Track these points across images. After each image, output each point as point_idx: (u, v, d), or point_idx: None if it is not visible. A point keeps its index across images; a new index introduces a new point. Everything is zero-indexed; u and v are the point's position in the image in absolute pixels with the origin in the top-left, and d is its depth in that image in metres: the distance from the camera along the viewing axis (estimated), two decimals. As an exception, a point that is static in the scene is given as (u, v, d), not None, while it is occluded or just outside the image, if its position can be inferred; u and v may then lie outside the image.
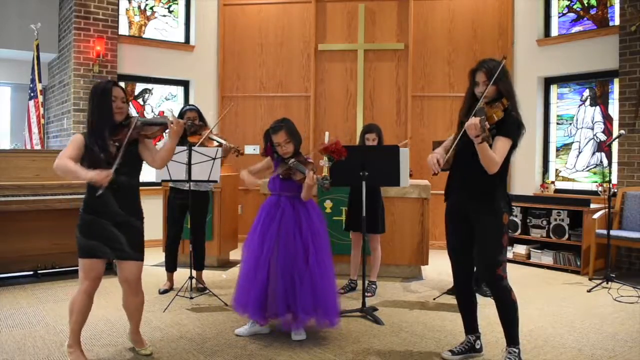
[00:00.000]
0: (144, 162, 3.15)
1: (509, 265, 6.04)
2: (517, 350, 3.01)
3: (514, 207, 6.24)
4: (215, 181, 4.42)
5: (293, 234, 3.49)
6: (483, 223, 3.00)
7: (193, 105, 4.90)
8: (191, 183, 4.59)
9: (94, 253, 2.93)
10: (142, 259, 3.09)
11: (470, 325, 3.27)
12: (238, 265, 5.68)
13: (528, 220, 6.20)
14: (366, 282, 4.60)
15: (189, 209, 4.64)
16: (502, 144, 2.90)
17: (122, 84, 7.06)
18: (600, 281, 5.11)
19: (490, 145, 2.86)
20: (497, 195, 2.98)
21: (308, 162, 3.58)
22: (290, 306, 3.46)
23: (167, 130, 3.10)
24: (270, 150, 3.66)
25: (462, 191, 3.09)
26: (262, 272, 3.46)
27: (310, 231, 3.53)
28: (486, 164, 2.88)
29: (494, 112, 2.91)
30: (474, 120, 2.76)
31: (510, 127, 2.93)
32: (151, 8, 7.43)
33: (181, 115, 4.76)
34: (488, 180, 2.95)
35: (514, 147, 2.96)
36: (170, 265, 4.80)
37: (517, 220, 6.24)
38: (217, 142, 4.68)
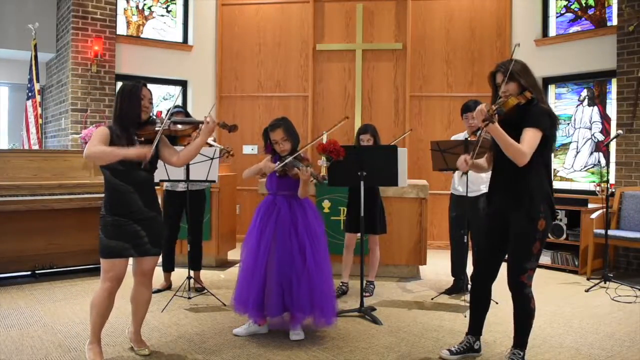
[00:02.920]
0: (162, 160, 3.25)
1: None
2: (521, 354, 2.99)
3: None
4: (214, 181, 4.42)
5: (289, 234, 3.49)
6: (516, 225, 2.92)
7: (180, 107, 4.77)
8: (188, 183, 4.59)
9: (117, 253, 2.96)
10: (160, 253, 3.19)
11: (476, 326, 3.24)
12: (236, 265, 5.68)
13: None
14: (364, 282, 4.59)
15: (186, 209, 4.65)
16: (530, 134, 2.80)
17: (119, 83, 7.08)
18: (598, 281, 5.12)
19: (507, 130, 2.79)
20: (535, 198, 2.87)
21: (304, 159, 3.58)
22: (287, 306, 3.46)
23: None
24: (270, 148, 3.66)
25: (501, 193, 3.02)
26: (260, 271, 3.46)
27: (306, 230, 3.52)
28: (511, 154, 2.81)
29: (511, 100, 2.85)
30: (480, 106, 2.76)
31: (537, 117, 2.82)
32: (149, 8, 7.43)
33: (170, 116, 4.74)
34: (525, 181, 2.88)
35: (549, 140, 2.87)
36: (168, 265, 4.80)
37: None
38: (211, 144, 4.67)
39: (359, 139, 4.68)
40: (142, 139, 3.06)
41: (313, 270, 3.46)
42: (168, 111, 4.83)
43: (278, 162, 3.55)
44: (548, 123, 2.84)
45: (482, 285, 3.17)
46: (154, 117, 3.17)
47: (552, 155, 3.03)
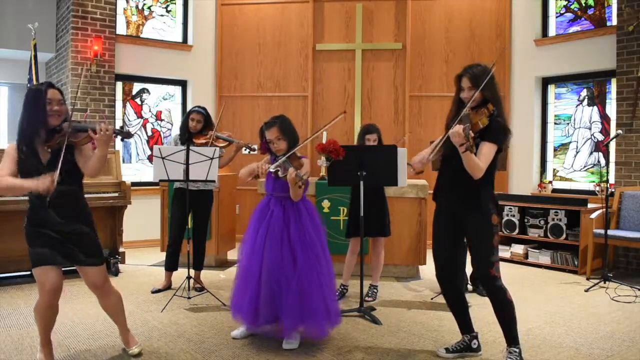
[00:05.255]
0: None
1: (507, 265, 6.08)
2: (517, 350, 3.01)
3: (512, 207, 6.25)
4: (213, 181, 4.41)
5: (280, 237, 3.35)
6: (473, 225, 3.03)
7: (200, 108, 4.71)
8: (199, 182, 4.59)
9: (44, 260, 2.81)
10: (100, 263, 2.98)
11: (464, 325, 3.28)
12: (235, 265, 5.67)
13: (526, 220, 6.21)
14: (368, 285, 4.57)
15: (193, 208, 4.68)
16: (487, 149, 2.93)
17: (119, 83, 7.08)
18: (597, 281, 5.12)
19: (475, 154, 2.87)
20: (483, 197, 3.00)
21: (297, 159, 3.43)
22: (277, 313, 3.33)
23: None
24: (265, 147, 3.54)
25: (450, 193, 3.13)
26: (254, 277, 3.36)
27: (299, 235, 3.37)
28: (471, 170, 2.92)
29: (479, 119, 2.94)
30: (457, 129, 2.79)
31: (495, 132, 2.96)
32: (149, 8, 7.42)
33: (186, 116, 4.73)
34: (474, 182, 2.97)
35: (498, 151, 3.00)
36: (171, 264, 4.80)
37: (515, 220, 6.25)
38: (227, 140, 4.65)
39: (364, 139, 4.59)
40: (49, 149, 2.79)
41: (304, 277, 3.30)
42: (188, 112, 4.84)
43: (272, 163, 3.46)
44: (503, 137, 2.99)
45: (450, 285, 3.22)
46: (74, 122, 2.86)
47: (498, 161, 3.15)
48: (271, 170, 3.37)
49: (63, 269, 2.96)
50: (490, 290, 3.03)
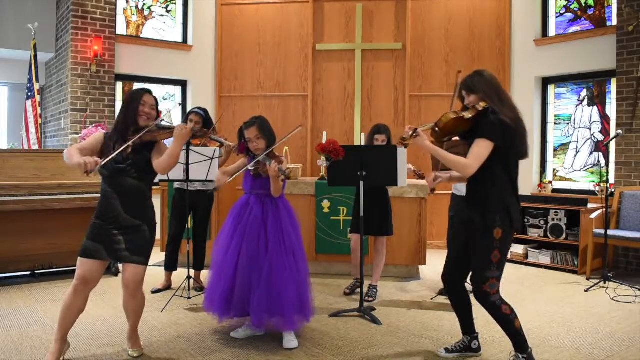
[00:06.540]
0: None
1: (507, 265, 6.02)
2: (522, 356, 2.92)
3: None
4: (212, 181, 4.41)
5: (258, 234, 3.42)
6: (474, 236, 2.96)
7: (199, 110, 4.71)
8: (197, 183, 4.59)
9: (88, 253, 2.98)
10: (142, 263, 3.06)
11: (467, 326, 3.27)
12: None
13: (526, 220, 6.21)
14: (368, 285, 4.58)
15: (194, 209, 4.68)
16: (477, 146, 2.86)
17: (119, 83, 7.09)
18: (597, 281, 5.12)
19: (446, 147, 3.00)
20: (490, 205, 2.87)
21: (277, 157, 3.50)
22: (246, 306, 3.39)
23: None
24: (244, 147, 3.60)
25: (466, 199, 3.09)
26: (229, 271, 3.42)
27: (275, 229, 3.44)
28: (452, 168, 2.94)
29: (445, 116, 2.96)
30: (405, 129, 2.95)
31: (486, 127, 2.85)
32: (149, 8, 7.42)
33: (185, 117, 4.74)
34: (480, 191, 2.91)
35: (505, 149, 2.86)
36: (170, 264, 4.79)
37: (515, 220, 6.25)
38: (219, 142, 4.66)
39: (373, 139, 4.58)
40: (132, 145, 3.00)
41: (275, 271, 3.36)
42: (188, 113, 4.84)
43: (249, 163, 3.51)
44: (498, 133, 2.83)
45: (455, 286, 3.20)
46: (162, 123, 3.12)
47: (517, 163, 3.01)
48: (250, 168, 3.46)
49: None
50: (484, 306, 2.95)
